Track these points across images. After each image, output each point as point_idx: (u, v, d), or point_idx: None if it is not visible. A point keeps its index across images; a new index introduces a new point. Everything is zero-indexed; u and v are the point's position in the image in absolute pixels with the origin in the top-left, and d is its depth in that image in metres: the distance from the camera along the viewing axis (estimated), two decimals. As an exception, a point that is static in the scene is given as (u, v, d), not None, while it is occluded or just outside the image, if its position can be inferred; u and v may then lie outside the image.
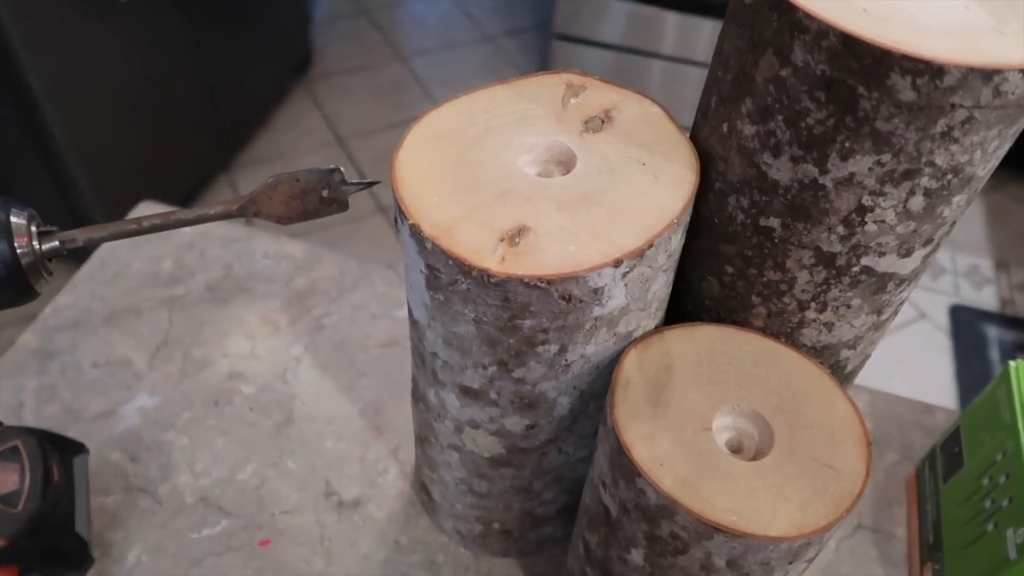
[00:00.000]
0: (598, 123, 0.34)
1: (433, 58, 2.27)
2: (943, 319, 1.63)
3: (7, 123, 1.27)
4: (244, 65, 1.73)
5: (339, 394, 0.53)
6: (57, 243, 0.34)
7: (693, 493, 0.29)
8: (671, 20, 1.75)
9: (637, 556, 0.32)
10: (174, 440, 0.50)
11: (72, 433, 0.50)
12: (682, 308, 0.37)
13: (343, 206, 0.35)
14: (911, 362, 1.53)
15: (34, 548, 0.40)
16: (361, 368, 0.55)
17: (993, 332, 1.61)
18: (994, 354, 1.57)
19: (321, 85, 2.16)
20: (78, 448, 0.46)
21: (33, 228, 0.34)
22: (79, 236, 0.35)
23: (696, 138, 0.33)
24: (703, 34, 1.74)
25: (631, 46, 1.82)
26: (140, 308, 0.57)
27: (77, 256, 0.50)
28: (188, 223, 0.35)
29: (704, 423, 0.31)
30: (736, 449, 0.32)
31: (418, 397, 0.40)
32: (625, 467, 0.30)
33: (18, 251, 0.33)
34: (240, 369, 0.54)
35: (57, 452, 0.43)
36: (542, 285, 0.28)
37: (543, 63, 2.19)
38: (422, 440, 0.43)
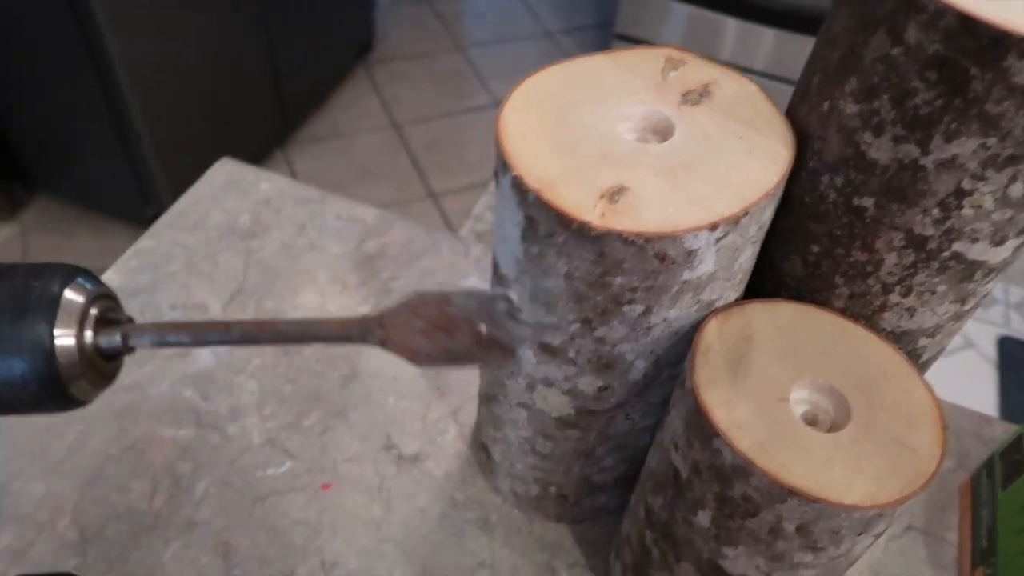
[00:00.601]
0: (696, 96, 0.35)
1: (492, 50, 2.29)
2: (991, 350, 1.60)
3: (85, 90, 1.31)
4: (308, 44, 1.77)
5: (403, 354, 0.55)
6: (119, 337, 0.25)
7: (769, 457, 0.30)
8: (731, 26, 1.74)
9: (704, 518, 0.33)
10: (244, 383, 0.52)
11: (148, 369, 0.52)
12: (761, 286, 0.38)
13: (508, 353, 0.24)
14: (955, 390, 1.50)
15: None
16: (425, 331, 0.56)
17: (1042, 365, 1.57)
18: (1042, 388, 1.53)
19: (381, 69, 2.19)
20: None
21: (93, 311, 0.25)
22: (150, 333, 0.25)
23: (792, 117, 0.34)
24: (763, 42, 1.73)
25: (694, 48, 1.81)
26: (217, 257, 0.60)
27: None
28: (290, 340, 0.26)
29: (782, 394, 0.32)
30: (811, 422, 0.33)
31: (491, 355, 0.41)
32: (702, 428, 0.31)
33: (57, 342, 0.24)
34: (309, 322, 0.56)
35: None
36: (639, 242, 0.29)
37: (601, 63, 2.19)
38: (489, 398, 0.44)
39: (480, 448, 0.48)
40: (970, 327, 1.64)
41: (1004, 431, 0.54)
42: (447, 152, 1.97)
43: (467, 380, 0.54)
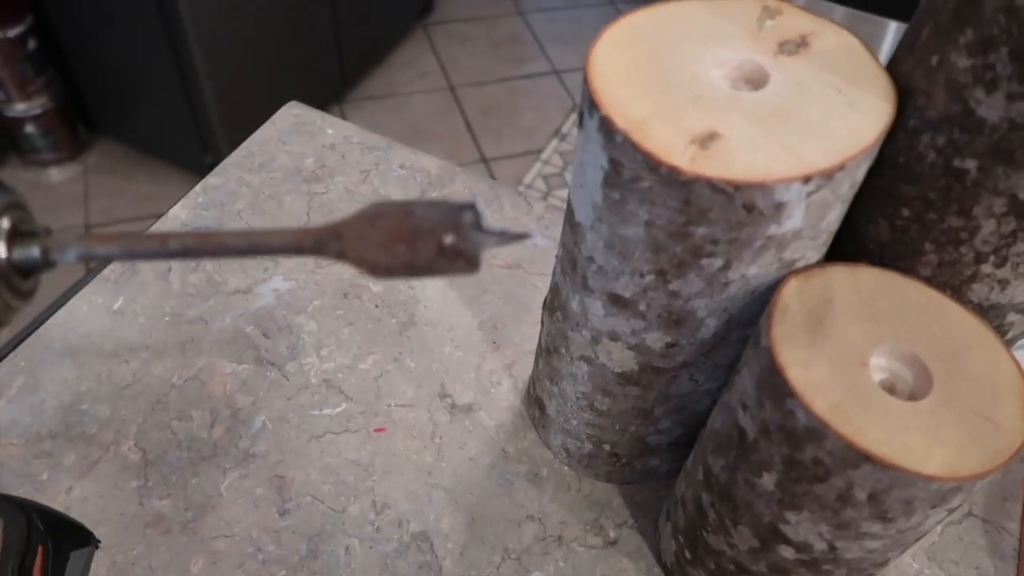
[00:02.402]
0: (793, 47, 0.33)
1: (553, 16, 2.26)
2: None
3: (150, 35, 1.33)
4: (370, 2, 1.76)
5: (461, 306, 0.55)
6: (37, 250, 0.23)
7: (845, 420, 0.29)
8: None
9: (769, 481, 0.32)
10: (304, 324, 0.53)
11: (211, 303, 0.53)
12: (841, 251, 0.37)
13: (471, 263, 0.23)
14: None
15: None
16: (485, 285, 0.56)
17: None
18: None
19: (439, 31, 2.18)
20: (83, 540, 0.39)
21: (4, 224, 0.23)
22: (74, 246, 0.23)
23: (896, 72, 0.32)
24: (834, 16, 1.68)
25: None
26: (281, 199, 0.60)
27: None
28: (237, 252, 0.24)
29: (861, 358, 0.31)
30: (889, 391, 0.31)
31: (556, 306, 0.41)
32: (777, 387, 0.30)
33: None
34: (369, 268, 0.56)
35: (53, 539, 0.36)
36: (728, 190, 0.28)
37: (663, 35, 2.14)
38: (549, 351, 0.43)
39: (534, 402, 0.48)
40: None
41: (1077, 425, 0.52)
42: (502, 117, 1.96)
43: (524, 335, 0.53)
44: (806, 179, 0.29)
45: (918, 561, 0.46)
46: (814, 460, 0.30)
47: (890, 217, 0.34)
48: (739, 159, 0.29)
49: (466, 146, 1.89)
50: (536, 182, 1.81)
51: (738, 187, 0.28)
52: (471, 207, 0.23)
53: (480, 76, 2.07)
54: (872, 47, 0.34)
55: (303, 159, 0.63)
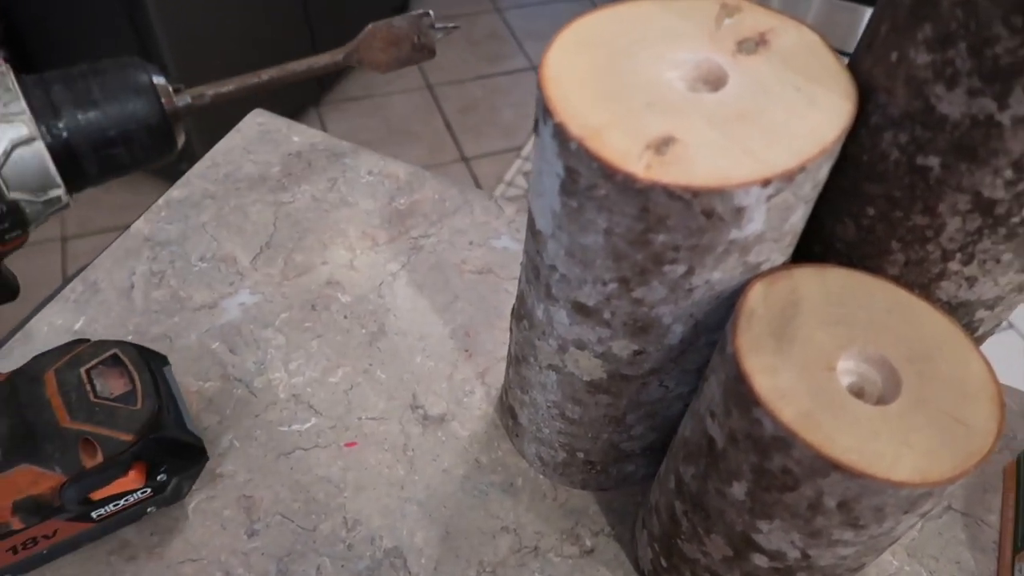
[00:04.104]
0: (752, 45, 0.33)
1: (531, 11, 2.25)
2: (1032, 331, 1.56)
3: (121, 40, 1.31)
4: (342, 3, 1.74)
5: (432, 313, 0.54)
6: (189, 99, 0.38)
7: (813, 428, 0.28)
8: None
9: (739, 490, 0.32)
10: (271, 337, 0.52)
11: (176, 320, 0.52)
12: (809, 251, 0.36)
13: (431, 52, 0.38)
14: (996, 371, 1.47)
15: (158, 443, 0.40)
16: (456, 291, 0.55)
17: (1086, 351, 1.52)
18: (1085, 375, 1.49)
19: (416, 30, 2.17)
20: (163, 359, 0.45)
21: (170, 88, 0.37)
22: (208, 91, 0.39)
23: (856, 70, 0.32)
24: (810, 9, 1.67)
25: None
26: (247, 209, 0.59)
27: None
28: (301, 74, 0.38)
29: (829, 362, 0.30)
30: (857, 394, 0.31)
31: (522, 315, 0.40)
32: (743, 396, 0.30)
33: (166, 108, 0.35)
34: (338, 278, 0.55)
35: (148, 359, 0.43)
36: (686, 196, 0.28)
37: (641, 28, 2.14)
38: (518, 360, 0.43)
39: (507, 411, 0.47)
40: (1013, 310, 1.59)
41: (1055, 414, 0.52)
42: (481, 116, 1.94)
43: (496, 341, 0.53)
44: (765, 182, 0.28)
45: (898, 558, 0.45)
46: (783, 469, 0.29)
47: (856, 216, 0.33)
48: (696, 164, 0.28)
49: (446, 145, 1.88)
50: (517, 179, 1.80)
51: (696, 193, 0.28)
52: (426, 13, 0.36)
53: (458, 74, 2.06)
54: (851, 36, 0.33)
55: (269, 168, 0.62)
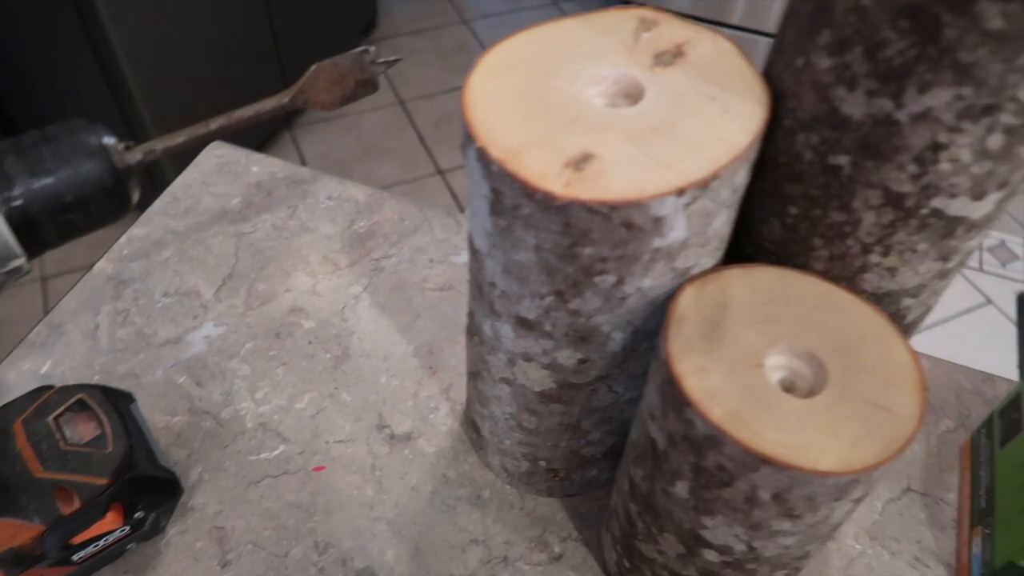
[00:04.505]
0: (669, 57, 0.34)
1: (498, 21, 2.27)
2: (1010, 307, 1.57)
3: (88, 80, 1.32)
4: (310, 25, 1.76)
5: (395, 333, 0.55)
6: (140, 155, 0.37)
7: (742, 425, 0.29)
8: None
9: (682, 489, 0.33)
10: (237, 368, 0.53)
11: (141, 357, 0.53)
12: (741, 251, 0.37)
13: (375, 86, 0.40)
14: (975, 348, 1.48)
15: (133, 483, 0.41)
16: (418, 310, 0.56)
17: (1063, 322, 1.54)
18: (1063, 345, 1.51)
19: (385, 46, 2.18)
20: (129, 397, 0.46)
21: (120, 146, 0.36)
22: (157, 146, 0.38)
23: (769, 76, 0.33)
24: (775, 5, 1.69)
25: (700, 15, 1.78)
26: (208, 242, 0.59)
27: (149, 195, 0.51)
28: (248, 120, 0.38)
29: (757, 360, 0.31)
30: (788, 388, 0.32)
31: (473, 330, 0.41)
32: (675, 398, 0.31)
33: (117, 167, 0.36)
34: (301, 304, 0.56)
35: (114, 400, 0.44)
36: (604, 211, 0.29)
37: (607, 30, 2.15)
38: (475, 375, 0.44)
39: (471, 425, 0.48)
40: (989, 284, 1.61)
41: (1006, 389, 0.53)
42: (454, 128, 1.95)
43: (459, 357, 0.53)
44: (680, 192, 0.29)
45: (860, 542, 0.46)
46: (718, 466, 0.30)
47: (780, 216, 0.34)
48: (614, 178, 0.29)
49: (421, 159, 1.89)
50: (492, 189, 1.80)
51: (613, 207, 0.29)
52: (367, 50, 0.37)
53: (429, 88, 2.07)
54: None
55: (229, 200, 0.62)
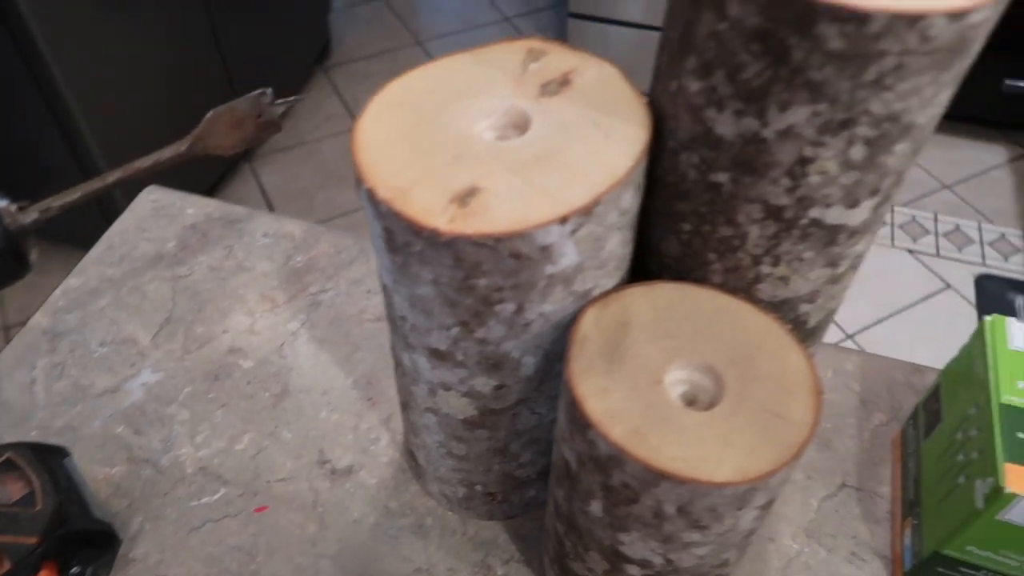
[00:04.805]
0: (555, 86, 0.35)
1: (452, 41, 2.28)
2: (969, 290, 1.60)
3: (37, 121, 1.31)
4: (262, 57, 1.76)
5: (334, 367, 0.55)
6: (36, 214, 0.37)
7: (641, 442, 0.30)
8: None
9: (596, 507, 0.33)
10: (176, 413, 0.53)
11: (79, 408, 0.53)
12: (646, 268, 0.38)
13: (277, 127, 0.39)
14: (937, 333, 1.51)
15: (65, 539, 0.41)
16: (356, 342, 0.56)
17: (1020, 301, 1.57)
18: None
19: (340, 72, 2.18)
20: (61, 452, 0.45)
21: (13, 207, 0.36)
22: (53, 203, 0.38)
23: (651, 98, 0.34)
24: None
25: (651, 24, 1.80)
26: (145, 289, 0.60)
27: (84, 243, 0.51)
28: (147, 170, 0.38)
29: (657, 376, 0.32)
30: (691, 402, 0.33)
31: (397, 362, 0.41)
32: (578, 420, 0.31)
33: (10, 228, 0.35)
34: (240, 345, 0.56)
35: (44, 456, 0.43)
36: (489, 243, 0.29)
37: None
38: (405, 406, 0.44)
39: (409, 454, 0.48)
40: (947, 268, 1.64)
41: (935, 378, 0.54)
42: (412, 149, 1.96)
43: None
44: (563, 220, 0.30)
45: (798, 541, 0.47)
46: (623, 484, 0.31)
47: (675, 233, 0.35)
48: (498, 211, 0.30)
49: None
50: (454, 208, 1.81)
51: (498, 239, 0.29)
52: (265, 92, 0.36)
53: (386, 111, 2.07)
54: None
55: (164, 244, 0.62)
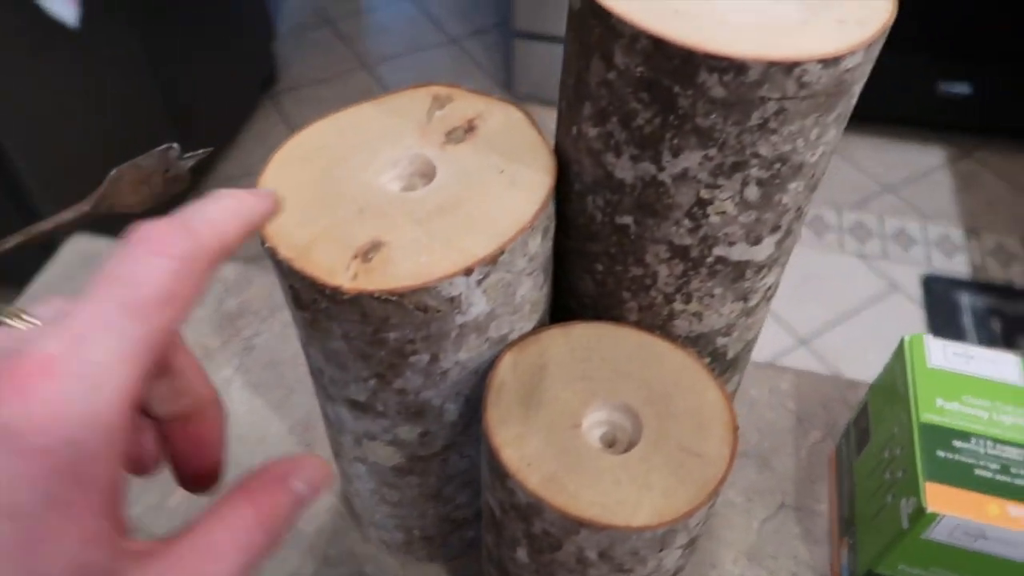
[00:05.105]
0: (461, 133, 0.35)
1: (399, 63, 2.28)
2: (916, 290, 1.64)
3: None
4: (205, 87, 1.74)
5: (270, 412, 0.54)
6: None
7: (559, 490, 0.30)
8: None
9: (522, 554, 0.33)
10: (107, 469, 0.51)
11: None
12: (566, 307, 0.38)
13: (185, 181, 0.37)
14: (885, 336, 1.54)
15: None
16: (291, 385, 0.55)
17: (965, 299, 1.62)
18: (967, 320, 1.58)
19: (288, 98, 2.17)
20: None
21: None
22: None
23: (556, 142, 0.34)
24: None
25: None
26: (72, 340, 0.58)
27: None
28: (47, 234, 0.36)
29: (574, 420, 0.32)
30: (610, 443, 0.33)
31: (323, 413, 0.41)
32: (497, 469, 0.31)
33: None
34: (172, 394, 0.55)
35: None
36: (393, 299, 0.29)
37: (507, 62, 2.19)
38: (336, 454, 0.43)
39: (346, 501, 0.48)
40: (893, 270, 1.67)
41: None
42: (363, 174, 1.95)
43: (336, 429, 0.53)
44: (468, 271, 0.29)
45: (739, 565, 0.47)
46: (544, 532, 0.31)
47: (590, 272, 0.35)
48: (402, 265, 0.30)
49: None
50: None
51: (402, 295, 0.29)
52: (172, 145, 0.34)
53: (336, 136, 2.06)
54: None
55: (92, 294, 0.61)
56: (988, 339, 1.54)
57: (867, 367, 1.47)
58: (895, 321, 1.58)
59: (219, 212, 0.20)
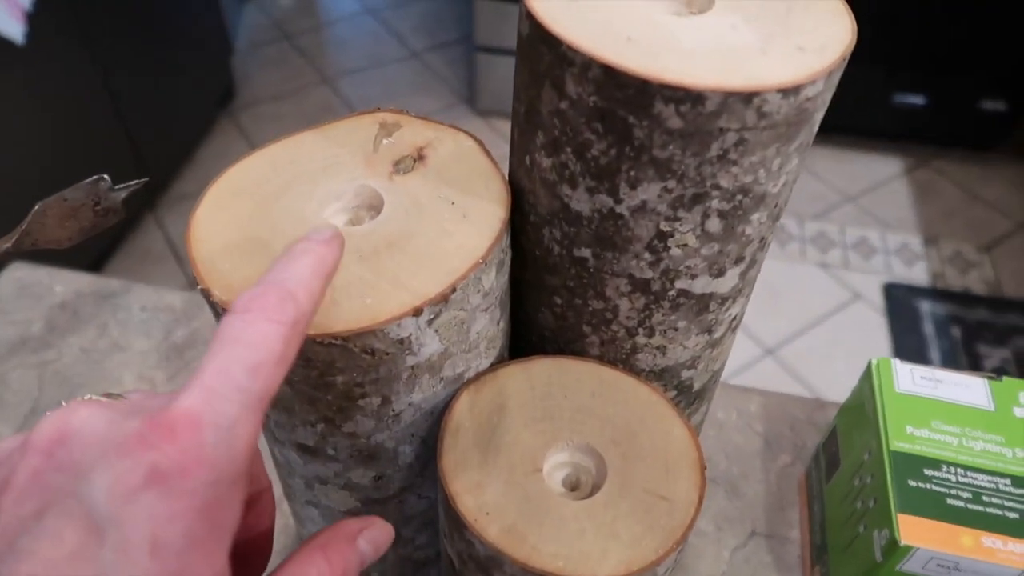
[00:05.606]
0: (410, 163, 0.33)
1: (360, 77, 2.26)
2: (878, 299, 1.66)
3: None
4: (160, 105, 1.69)
5: (220, 449, 0.51)
6: None
7: (520, 541, 0.28)
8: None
9: (483, 606, 0.31)
10: (45, 516, 0.48)
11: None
12: (527, 340, 0.36)
13: (118, 213, 0.34)
14: (850, 344, 1.55)
15: None
16: (243, 420, 0.53)
17: (926, 307, 1.64)
18: (928, 328, 1.60)
19: (247, 114, 2.13)
20: None
21: None
22: None
23: (510, 171, 0.33)
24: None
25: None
26: (7, 377, 0.55)
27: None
28: None
29: (535, 463, 0.31)
30: (574, 486, 0.31)
31: (271, 454, 0.39)
32: (454, 518, 0.29)
33: None
34: (116, 433, 0.52)
35: None
36: (338, 343, 0.27)
37: (469, 75, 2.18)
38: (287, 496, 0.41)
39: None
40: (855, 279, 1.69)
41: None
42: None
43: (290, 466, 0.51)
44: (417, 312, 0.28)
45: (710, 598, 0.46)
46: (505, 585, 0.29)
47: (549, 306, 0.34)
48: (345, 307, 0.28)
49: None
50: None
51: (347, 338, 0.27)
52: (102, 177, 0.33)
53: (296, 152, 2.03)
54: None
55: (29, 326, 0.58)
56: (949, 346, 1.56)
57: (834, 376, 1.48)
58: (858, 329, 1.59)
59: (306, 272, 0.22)
